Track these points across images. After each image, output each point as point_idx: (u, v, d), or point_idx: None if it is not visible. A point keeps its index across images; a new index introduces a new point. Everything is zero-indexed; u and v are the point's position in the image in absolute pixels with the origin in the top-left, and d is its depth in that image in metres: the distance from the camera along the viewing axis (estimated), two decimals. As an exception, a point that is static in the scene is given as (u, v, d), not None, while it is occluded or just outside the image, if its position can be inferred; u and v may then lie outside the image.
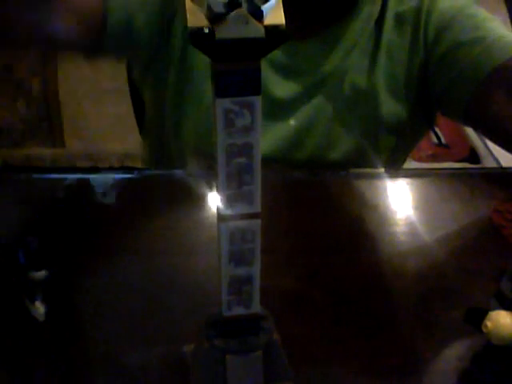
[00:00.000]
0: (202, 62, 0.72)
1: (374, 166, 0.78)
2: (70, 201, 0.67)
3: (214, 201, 0.65)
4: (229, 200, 0.34)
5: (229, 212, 0.34)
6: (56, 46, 0.74)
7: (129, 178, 0.73)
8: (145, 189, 0.71)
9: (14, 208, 0.65)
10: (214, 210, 0.64)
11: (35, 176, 0.74)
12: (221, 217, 0.34)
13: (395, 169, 0.82)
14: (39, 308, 0.48)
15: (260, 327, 0.39)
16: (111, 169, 2.06)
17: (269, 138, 0.76)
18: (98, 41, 0.69)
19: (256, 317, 0.39)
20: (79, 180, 0.70)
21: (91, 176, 0.70)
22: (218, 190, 0.33)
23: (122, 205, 0.67)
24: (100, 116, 2.06)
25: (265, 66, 0.75)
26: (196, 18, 0.29)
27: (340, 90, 0.75)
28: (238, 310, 0.38)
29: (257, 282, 0.37)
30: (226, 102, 0.31)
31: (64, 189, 0.68)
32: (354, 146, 0.76)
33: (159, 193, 0.70)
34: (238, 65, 0.30)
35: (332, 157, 0.76)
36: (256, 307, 0.38)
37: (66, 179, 0.70)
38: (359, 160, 0.77)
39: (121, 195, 0.67)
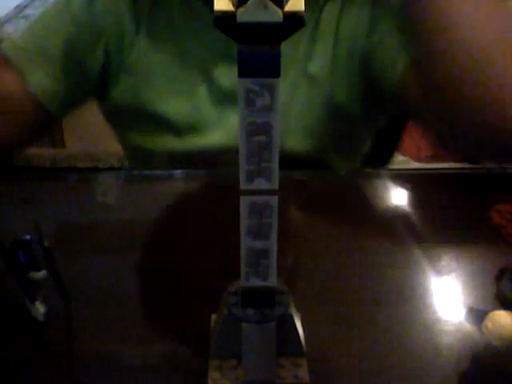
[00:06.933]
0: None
1: (334, 159, 0.78)
2: (70, 201, 0.67)
3: (214, 200, 0.65)
4: (249, 175, 0.36)
5: (249, 187, 0.36)
6: None
7: (129, 178, 0.73)
8: (145, 189, 0.71)
9: (14, 208, 0.65)
10: (213, 209, 0.64)
11: (35, 176, 0.74)
12: (241, 191, 0.37)
13: (377, 167, 0.80)
14: (39, 308, 0.48)
15: (276, 300, 0.41)
16: (111, 169, 2.07)
17: (223, 127, 0.75)
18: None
19: (272, 290, 0.41)
20: (79, 180, 0.70)
21: (91, 176, 0.70)
22: (240, 166, 0.36)
23: (122, 205, 0.67)
24: (100, 116, 2.06)
25: (212, 55, 0.75)
26: (222, 2, 0.31)
27: (291, 78, 0.74)
28: (255, 282, 0.40)
29: (273, 256, 0.39)
30: (247, 82, 0.33)
31: (64, 189, 0.68)
32: (308, 134, 0.75)
33: (159, 193, 0.70)
34: (258, 47, 0.32)
35: (288, 145, 0.74)
36: (272, 281, 0.40)
37: (66, 179, 0.70)
38: (317, 150, 0.76)
39: (121, 195, 0.68)
